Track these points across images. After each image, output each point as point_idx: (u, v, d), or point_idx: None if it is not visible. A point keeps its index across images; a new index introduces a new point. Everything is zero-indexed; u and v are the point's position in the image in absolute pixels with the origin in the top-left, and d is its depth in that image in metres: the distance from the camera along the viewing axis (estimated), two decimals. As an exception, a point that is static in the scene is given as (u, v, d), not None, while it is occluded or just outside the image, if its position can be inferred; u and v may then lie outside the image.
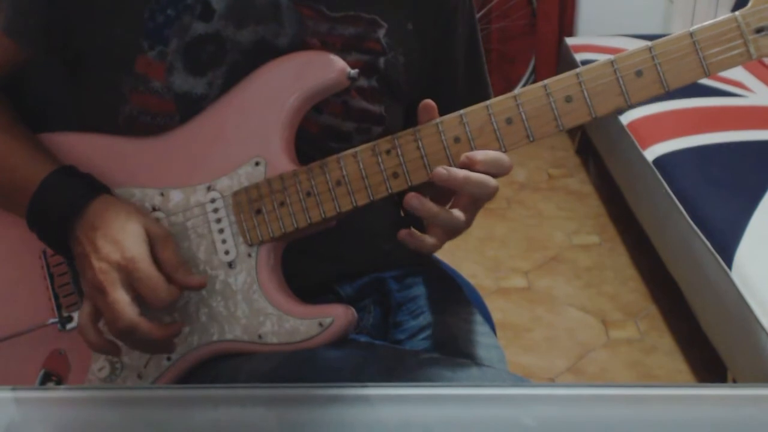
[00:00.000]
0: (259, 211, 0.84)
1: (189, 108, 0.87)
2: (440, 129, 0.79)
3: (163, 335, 0.81)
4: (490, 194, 0.79)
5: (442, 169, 0.77)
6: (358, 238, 0.95)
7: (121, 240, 0.80)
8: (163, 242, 0.82)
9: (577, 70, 0.77)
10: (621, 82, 0.76)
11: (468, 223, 0.81)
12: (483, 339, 0.97)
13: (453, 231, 0.81)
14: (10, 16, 0.89)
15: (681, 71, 0.75)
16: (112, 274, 0.79)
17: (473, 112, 0.79)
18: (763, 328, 1.58)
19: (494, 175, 0.79)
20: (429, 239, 0.80)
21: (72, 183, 0.85)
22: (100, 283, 0.79)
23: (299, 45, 0.87)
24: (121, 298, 0.78)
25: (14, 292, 0.91)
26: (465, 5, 0.97)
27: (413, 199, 0.77)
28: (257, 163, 0.84)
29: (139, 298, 0.79)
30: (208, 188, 0.86)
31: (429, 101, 0.80)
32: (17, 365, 0.90)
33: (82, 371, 0.88)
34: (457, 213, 0.79)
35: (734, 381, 1.77)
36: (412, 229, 0.80)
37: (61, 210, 0.84)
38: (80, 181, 0.86)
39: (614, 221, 2.74)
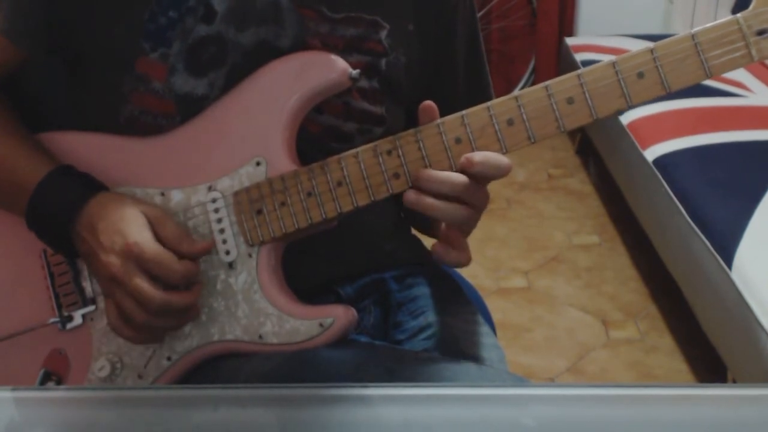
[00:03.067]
0: (259, 211, 0.84)
1: (190, 109, 0.87)
2: (441, 130, 0.79)
3: (193, 298, 0.82)
4: (467, 220, 0.79)
5: (411, 194, 0.78)
6: (359, 238, 0.95)
7: (122, 229, 0.80)
8: (161, 221, 0.83)
9: (579, 71, 0.77)
10: (622, 84, 0.76)
11: (474, 221, 0.81)
12: (483, 339, 0.97)
13: (460, 227, 0.81)
14: (9, 17, 0.89)
15: (682, 73, 0.75)
16: (123, 264, 0.79)
17: (474, 113, 0.79)
18: (763, 328, 1.58)
19: (493, 177, 0.78)
20: (456, 253, 0.80)
21: (70, 183, 0.85)
22: (115, 275, 0.79)
23: (300, 46, 0.87)
24: (142, 284, 0.78)
25: (14, 291, 0.91)
26: (466, 5, 0.96)
27: (410, 194, 0.78)
28: (258, 163, 0.84)
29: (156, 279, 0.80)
30: (209, 188, 0.86)
31: (429, 102, 0.80)
32: (17, 365, 0.90)
33: (82, 371, 0.88)
34: (457, 206, 0.79)
35: (734, 381, 1.77)
36: (447, 248, 0.80)
37: (60, 210, 0.84)
38: (78, 181, 0.86)
39: (614, 221, 2.74)
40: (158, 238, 0.82)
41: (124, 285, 0.79)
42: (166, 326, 0.84)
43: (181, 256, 0.81)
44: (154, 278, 0.79)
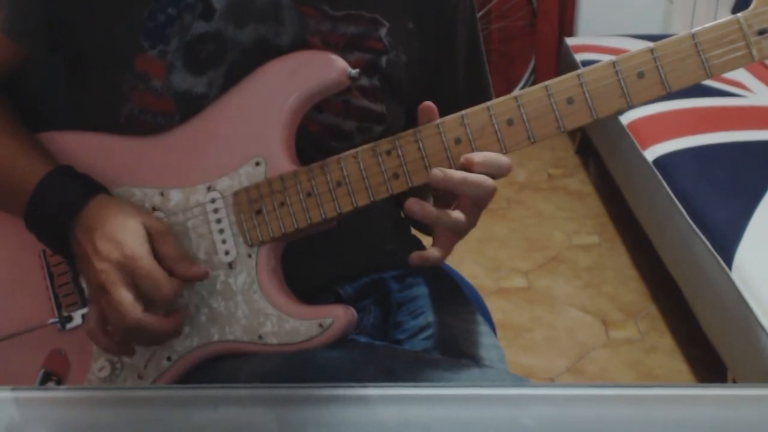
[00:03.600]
0: (259, 212, 0.84)
1: (189, 107, 0.87)
2: (441, 130, 0.79)
3: (168, 327, 0.81)
4: (488, 194, 0.79)
5: (438, 171, 0.78)
6: (359, 238, 0.95)
7: (120, 238, 0.80)
8: (163, 237, 0.83)
9: (579, 71, 0.77)
10: (623, 84, 0.76)
11: (472, 224, 0.81)
12: (483, 339, 0.98)
13: (458, 232, 0.81)
14: (9, 15, 0.89)
15: (683, 73, 0.75)
16: (113, 273, 0.79)
17: (474, 113, 0.79)
18: (763, 328, 1.58)
19: (493, 176, 0.79)
20: (436, 252, 0.81)
21: (69, 184, 0.85)
22: (103, 283, 0.79)
23: (300, 44, 0.87)
24: (125, 297, 0.78)
25: (14, 292, 0.91)
26: (466, 5, 0.97)
27: (414, 205, 0.78)
28: (257, 163, 0.84)
29: (142, 295, 0.80)
30: (209, 188, 0.86)
31: (429, 103, 0.80)
32: (17, 365, 0.90)
33: (82, 371, 0.88)
34: (458, 215, 0.79)
35: (734, 381, 1.77)
36: (421, 252, 0.81)
37: (58, 211, 0.84)
38: (77, 182, 0.86)
39: (614, 221, 2.74)
40: (156, 253, 0.82)
41: (109, 294, 0.79)
42: (139, 344, 0.84)
43: (172, 275, 0.81)
44: (141, 294, 0.79)
